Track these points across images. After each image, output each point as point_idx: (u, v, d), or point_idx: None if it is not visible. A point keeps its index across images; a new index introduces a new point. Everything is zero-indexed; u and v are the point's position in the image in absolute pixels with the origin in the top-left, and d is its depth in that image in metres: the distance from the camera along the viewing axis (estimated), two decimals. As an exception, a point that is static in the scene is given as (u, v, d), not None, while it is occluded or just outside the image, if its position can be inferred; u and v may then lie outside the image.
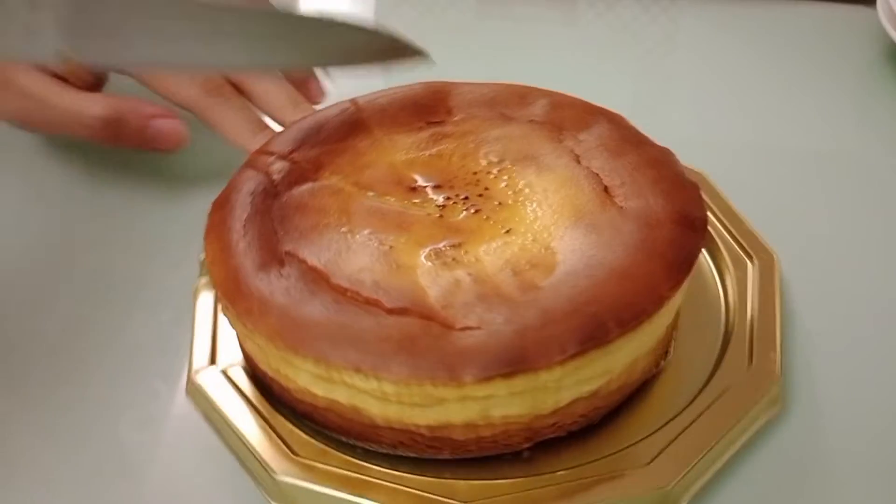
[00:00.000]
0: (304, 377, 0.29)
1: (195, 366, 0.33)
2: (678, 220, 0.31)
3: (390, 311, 0.28)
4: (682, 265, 0.29)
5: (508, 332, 0.27)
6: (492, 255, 0.31)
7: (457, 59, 0.57)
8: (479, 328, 0.27)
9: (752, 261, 0.37)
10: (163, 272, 0.40)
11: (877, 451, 0.31)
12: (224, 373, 0.33)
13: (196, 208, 0.35)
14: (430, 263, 0.31)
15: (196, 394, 0.32)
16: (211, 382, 0.32)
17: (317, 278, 0.30)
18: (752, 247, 0.37)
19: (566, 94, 0.39)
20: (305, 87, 0.45)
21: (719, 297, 0.36)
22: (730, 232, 0.38)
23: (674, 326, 0.34)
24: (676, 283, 0.29)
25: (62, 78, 0.41)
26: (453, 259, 0.31)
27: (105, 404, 0.34)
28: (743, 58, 0.57)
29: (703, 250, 0.39)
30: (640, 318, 0.27)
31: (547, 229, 0.32)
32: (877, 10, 0.55)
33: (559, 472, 0.29)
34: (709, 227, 0.38)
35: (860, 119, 0.52)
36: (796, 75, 0.55)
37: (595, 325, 0.27)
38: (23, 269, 0.40)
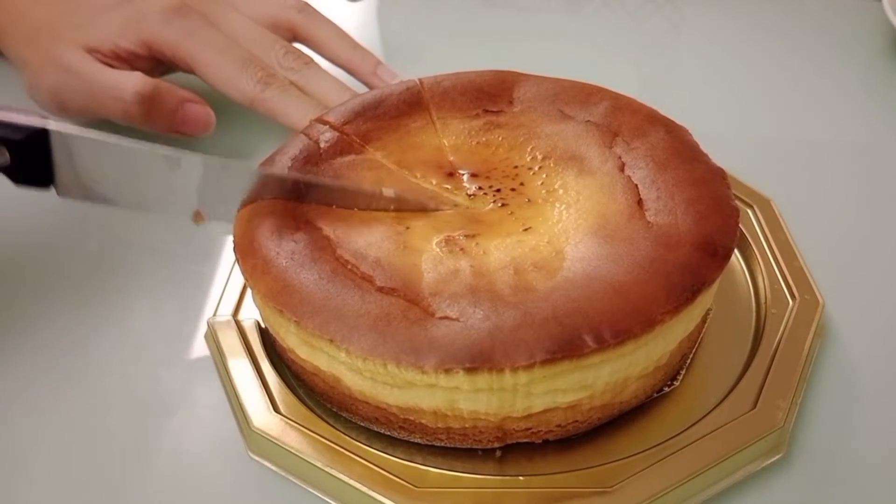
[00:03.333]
0: (291, 339, 0.30)
1: (218, 313, 0.35)
2: (699, 245, 0.30)
3: (379, 290, 0.29)
4: (685, 291, 0.28)
5: (482, 329, 0.27)
6: (502, 250, 0.31)
7: (461, 48, 0.58)
8: (456, 320, 0.27)
9: (794, 300, 0.34)
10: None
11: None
12: (238, 323, 0.34)
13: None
14: (438, 250, 0.31)
15: (209, 339, 0.34)
16: (223, 330, 0.34)
17: (324, 247, 0.31)
18: (799, 286, 0.35)
19: (632, 99, 0.38)
20: (375, 76, 0.47)
21: (750, 332, 0.34)
22: (779, 266, 0.36)
23: (684, 353, 0.32)
24: (673, 309, 0.27)
25: (109, 65, 0.43)
26: (461, 249, 0.31)
27: (135, 339, 0.36)
28: (748, 50, 0.56)
29: (748, 281, 0.37)
30: (622, 337, 0.26)
31: (565, 233, 0.31)
32: (882, 3, 0.54)
33: (520, 477, 0.28)
34: (758, 258, 0.36)
35: (867, 111, 0.51)
36: (802, 68, 0.54)
37: (570, 337, 0.26)
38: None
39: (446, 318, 0.27)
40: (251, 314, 0.35)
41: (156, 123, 0.43)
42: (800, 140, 0.48)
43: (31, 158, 0.32)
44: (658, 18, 0.59)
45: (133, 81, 0.42)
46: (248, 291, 0.36)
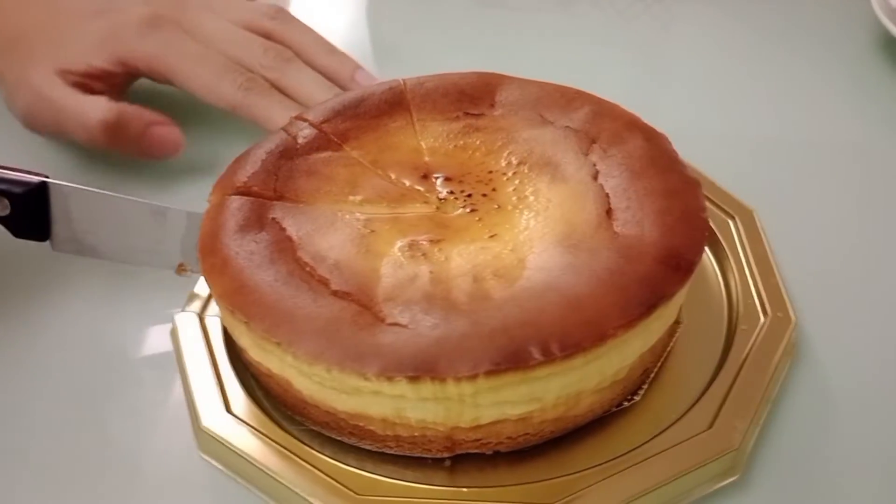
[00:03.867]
0: (244, 340, 0.30)
1: (186, 310, 0.35)
2: (662, 258, 0.29)
3: (333, 293, 0.29)
4: (640, 306, 0.27)
5: (430, 337, 0.26)
6: (464, 257, 0.30)
7: (451, 47, 0.57)
8: (406, 327, 0.27)
9: (765, 317, 0.33)
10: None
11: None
12: (202, 321, 0.34)
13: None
14: (400, 254, 0.31)
15: (173, 333, 0.34)
16: (184, 325, 0.34)
17: (285, 248, 0.31)
18: (773, 302, 0.34)
19: (615, 105, 0.37)
20: (354, 81, 0.46)
21: (719, 348, 0.33)
22: (754, 280, 0.35)
23: (646, 367, 0.31)
24: (627, 323, 0.27)
25: (81, 84, 0.43)
26: (423, 254, 0.31)
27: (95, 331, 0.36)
28: (738, 47, 0.56)
29: (724, 295, 0.36)
30: (570, 351, 0.26)
31: (530, 242, 0.31)
32: (871, 1, 0.54)
33: (465, 489, 0.28)
34: (734, 271, 0.36)
35: (854, 108, 0.51)
36: (790, 65, 0.54)
37: (515, 348, 0.26)
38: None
39: (396, 324, 0.27)
40: (217, 311, 0.35)
41: (122, 148, 0.43)
42: (787, 142, 0.47)
43: (31, 211, 0.35)
44: (648, 17, 0.58)
45: (97, 108, 0.41)
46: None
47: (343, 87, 0.46)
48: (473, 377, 0.25)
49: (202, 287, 0.36)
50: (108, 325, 0.37)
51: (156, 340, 0.36)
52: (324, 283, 0.29)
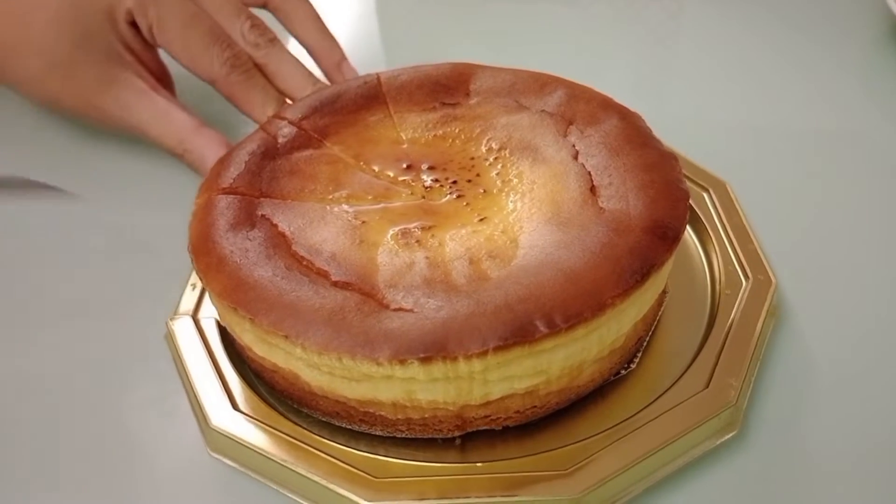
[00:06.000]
0: (247, 336, 0.30)
1: (177, 313, 0.35)
2: (649, 229, 0.30)
3: (334, 284, 0.29)
4: (634, 274, 0.28)
5: (436, 319, 0.27)
6: (457, 241, 0.31)
7: (459, 40, 0.58)
8: (411, 311, 0.27)
9: (747, 280, 0.35)
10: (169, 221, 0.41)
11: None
12: (196, 322, 0.34)
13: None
14: (393, 242, 0.31)
15: (169, 339, 0.34)
16: (181, 330, 0.34)
17: (279, 244, 0.31)
18: (753, 266, 0.35)
19: (587, 87, 0.39)
20: (338, 70, 0.46)
21: (705, 314, 0.35)
22: (733, 247, 0.36)
23: (640, 336, 0.32)
24: (623, 293, 0.28)
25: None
26: (417, 241, 0.31)
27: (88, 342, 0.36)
28: (748, 39, 0.56)
29: (704, 263, 0.37)
30: (573, 321, 0.27)
31: (520, 222, 0.32)
32: None
33: (479, 464, 0.29)
34: (713, 240, 0.37)
35: (867, 99, 0.51)
36: (802, 56, 0.54)
37: (521, 323, 0.26)
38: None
39: (401, 309, 0.28)
40: (211, 313, 0.35)
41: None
42: (795, 132, 0.47)
43: None
44: (656, 8, 0.58)
45: (169, 139, 0.42)
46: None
47: (326, 72, 0.46)
48: (483, 354, 0.26)
49: (188, 294, 0.36)
50: (98, 332, 0.36)
51: (149, 346, 0.35)
52: (323, 274, 0.29)
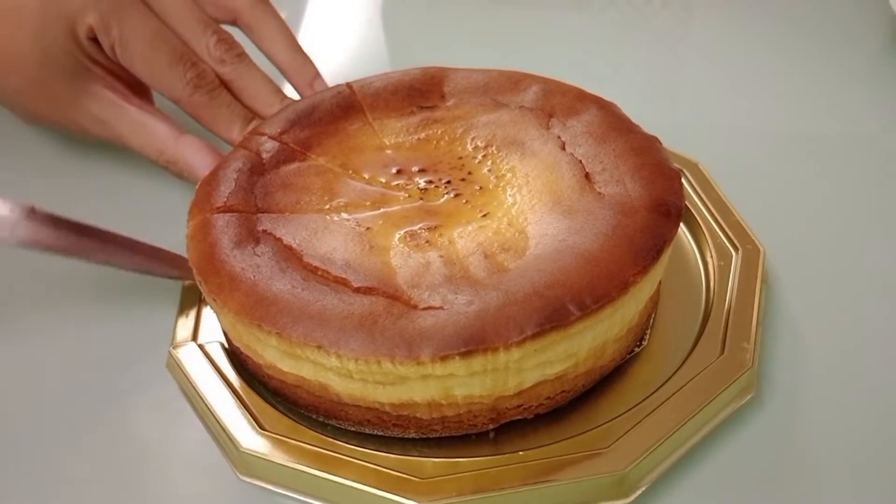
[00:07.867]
0: (271, 353, 0.29)
1: (176, 340, 0.34)
2: (653, 208, 0.31)
3: (357, 290, 0.29)
4: (650, 251, 0.29)
5: (469, 313, 0.27)
6: (466, 237, 0.31)
7: (467, 45, 0.58)
8: (441, 308, 0.27)
9: (736, 251, 0.36)
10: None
11: (853, 447, 0.31)
12: (201, 348, 0.33)
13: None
14: (403, 245, 0.31)
15: (174, 367, 0.33)
16: (188, 357, 0.33)
17: (289, 256, 0.31)
18: (739, 238, 0.37)
19: (560, 81, 0.39)
20: (312, 88, 0.45)
21: (701, 286, 0.36)
22: (717, 222, 0.38)
23: (649, 313, 0.33)
24: (643, 269, 0.29)
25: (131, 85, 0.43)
26: (427, 241, 0.31)
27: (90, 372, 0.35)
28: (756, 46, 0.57)
29: (690, 239, 0.39)
30: (602, 301, 0.27)
31: (523, 214, 0.32)
32: None
33: (519, 453, 0.29)
34: (696, 217, 0.38)
35: (872, 104, 0.51)
36: (808, 61, 0.55)
37: (555, 308, 0.27)
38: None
39: (430, 307, 0.28)
40: (211, 337, 0.34)
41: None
42: (803, 136, 0.48)
43: None
44: (666, 14, 0.59)
45: (152, 152, 0.42)
46: (203, 316, 0.36)
47: (300, 90, 0.45)
48: (522, 342, 0.26)
49: (183, 323, 0.35)
50: (95, 367, 0.35)
51: (151, 378, 0.34)
52: (342, 282, 0.29)
